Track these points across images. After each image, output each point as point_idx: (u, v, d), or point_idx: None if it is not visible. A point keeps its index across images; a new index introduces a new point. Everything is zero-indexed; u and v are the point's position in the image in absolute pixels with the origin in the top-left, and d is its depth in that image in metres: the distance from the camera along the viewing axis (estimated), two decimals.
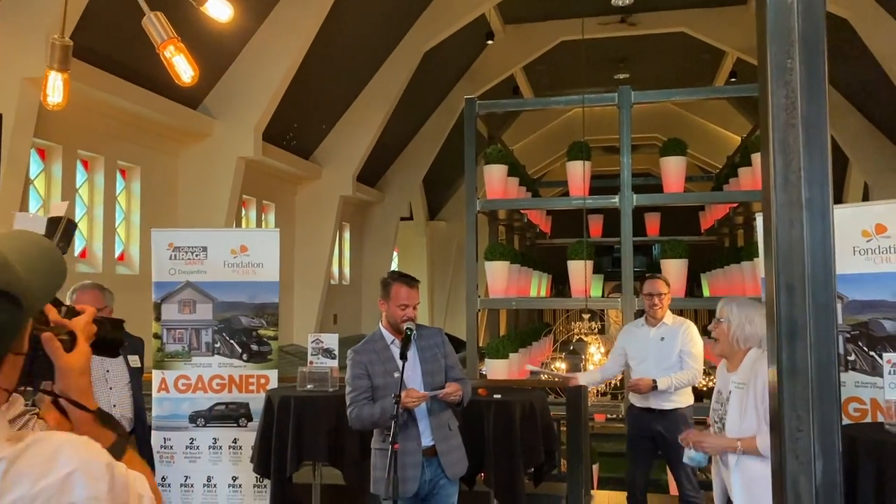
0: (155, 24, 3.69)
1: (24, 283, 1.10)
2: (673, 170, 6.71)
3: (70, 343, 1.29)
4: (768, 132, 1.60)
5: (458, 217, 16.45)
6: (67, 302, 1.65)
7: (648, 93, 8.32)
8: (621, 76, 15.08)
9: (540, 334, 9.21)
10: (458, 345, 5.17)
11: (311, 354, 4.96)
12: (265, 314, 5.30)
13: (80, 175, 8.23)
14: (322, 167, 12.46)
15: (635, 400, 4.92)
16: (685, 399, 4.83)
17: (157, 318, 5.24)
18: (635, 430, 4.93)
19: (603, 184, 9.75)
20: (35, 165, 7.56)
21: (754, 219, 5.99)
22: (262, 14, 9.11)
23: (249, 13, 8.44)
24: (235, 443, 5.18)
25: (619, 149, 6.60)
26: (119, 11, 6.53)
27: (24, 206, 6.94)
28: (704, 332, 4.25)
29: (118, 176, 8.76)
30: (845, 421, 3.65)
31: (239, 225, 10.82)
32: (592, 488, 6.27)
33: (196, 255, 5.27)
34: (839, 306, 3.86)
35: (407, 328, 3.54)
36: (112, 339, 1.45)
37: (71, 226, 1.55)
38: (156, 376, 5.19)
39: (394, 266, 16.19)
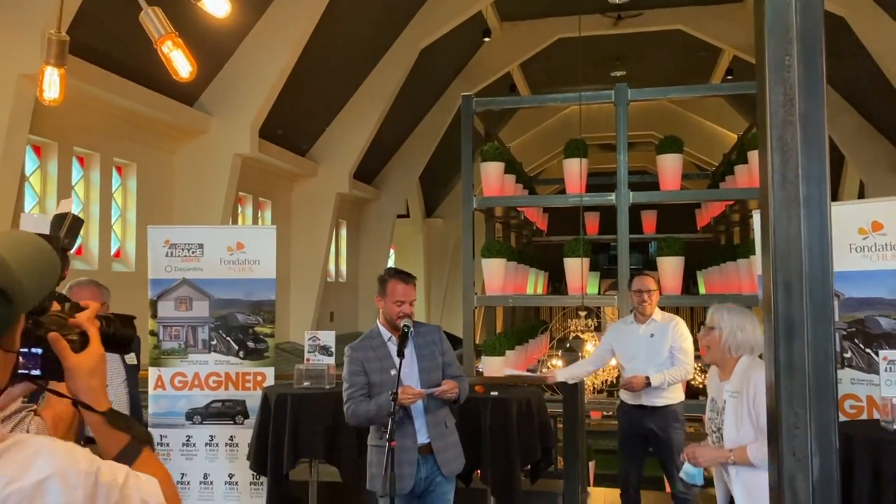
0: (153, 19, 3.69)
1: (17, 280, 1.09)
2: (669, 167, 6.69)
3: (80, 343, 1.27)
4: (766, 129, 1.60)
5: (454, 214, 16.44)
6: None
7: (645, 90, 8.31)
8: (618, 74, 15.08)
9: (536, 331, 9.19)
10: (454, 342, 5.16)
11: (308, 352, 4.95)
12: (262, 311, 5.29)
13: (76, 172, 8.20)
14: (318, 164, 12.44)
15: (626, 397, 4.91)
16: (676, 395, 4.83)
17: (154, 316, 5.23)
18: (627, 428, 4.93)
19: (599, 181, 9.74)
20: (31, 162, 7.53)
21: (750, 216, 5.98)
22: (259, 10, 9.09)
23: (246, 9, 8.43)
24: (232, 440, 5.17)
25: (616, 146, 6.59)
26: (115, 7, 6.51)
27: (19, 204, 6.91)
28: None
29: (114, 173, 8.74)
30: (841, 418, 3.66)
31: (235, 222, 10.80)
32: (589, 485, 6.29)
33: (192, 252, 5.25)
34: (836, 303, 3.87)
35: (404, 325, 3.53)
36: (122, 336, 1.45)
37: (77, 222, 1.55)
38: (152, 373, 5.18)
39: (390, 263, 16.17)
